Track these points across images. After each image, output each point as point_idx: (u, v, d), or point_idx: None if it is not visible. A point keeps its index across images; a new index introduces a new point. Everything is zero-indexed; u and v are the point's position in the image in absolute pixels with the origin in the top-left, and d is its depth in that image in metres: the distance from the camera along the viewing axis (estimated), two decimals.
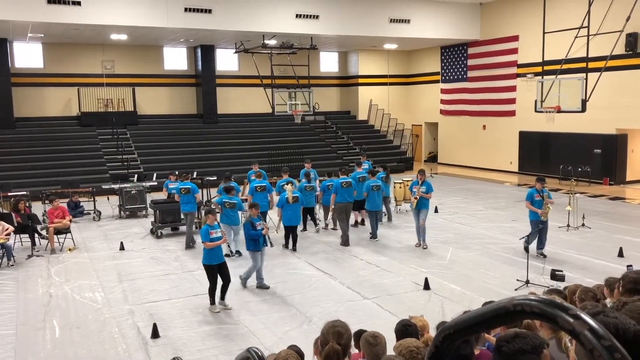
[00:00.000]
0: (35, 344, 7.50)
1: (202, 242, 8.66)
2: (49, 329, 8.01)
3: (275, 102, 20.86)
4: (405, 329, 4.05)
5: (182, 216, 13.21)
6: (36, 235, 12.57)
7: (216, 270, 8.56)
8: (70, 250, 12.37)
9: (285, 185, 12.68)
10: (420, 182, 11.82)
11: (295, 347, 4.21)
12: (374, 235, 13.03)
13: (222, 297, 8.65)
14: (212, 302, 8.57)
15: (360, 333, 4.25)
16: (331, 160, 23.42)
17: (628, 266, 6.02)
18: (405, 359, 3.23)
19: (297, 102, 21.18)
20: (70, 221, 13.05)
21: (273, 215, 13.99)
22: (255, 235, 9.33)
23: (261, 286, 9.53)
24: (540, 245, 11.08)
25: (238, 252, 11.68)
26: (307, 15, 21.12)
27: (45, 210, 14.05)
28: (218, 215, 11.96)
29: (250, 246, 9.47)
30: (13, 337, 7.77)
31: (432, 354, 1.17)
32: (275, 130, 25.96)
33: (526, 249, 10.26)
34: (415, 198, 11.79)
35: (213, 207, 10.90)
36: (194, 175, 16.99)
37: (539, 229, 10.87)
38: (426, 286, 9.39)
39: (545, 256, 10.96)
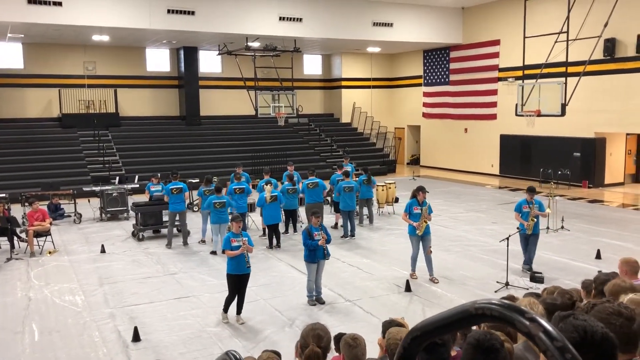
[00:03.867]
0: (14, 348, 7.42)
1: (223, 251, 8.51)
2: (28, 333, 7.93)
3: (258, 104, 20.86)
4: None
5: (168, 217, 13.13)
6: (15, 238, 12.42)
7: (239, 280, 8.17)
8: (50, 253, 12.25)
9: (265, 185, 12.87)
10: (420, 202, 10.01)
11: (274, 351, 4.24)
12: (346, 234, 13.39)
13: (238, 312, 8.26)
14: (226, 309, 8.25)
15: (340, 336, 4.29)
16: (314, 162, 23.43)
17: (599, 271, 6.23)
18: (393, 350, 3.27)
19: (280, 105, 21.21)
20: (51, 224, 12.92)
21: (255, 217, 14.04)
22: (312, 246, 8.76)
23: (318, 300, 8.99)
24: (528, 260, 10.35)
25: (213, 252, 11.96)
26: (290, 18, 21.17)
27: (24, 213, 13.90)
28: (209, 215, 12.13)
29: (306, 256, 8.93)
30: None
31: (400, 354, 1.22)
32: (258, 133, 25.95)
33: (529, 270, 10.13)
34: (425, 222, 9.83)
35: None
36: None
37: (526, 243, 10.27)
38: (407, 288, 9.47)
39: (530, 271, 10.15)
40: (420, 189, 10.06)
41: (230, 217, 9.04)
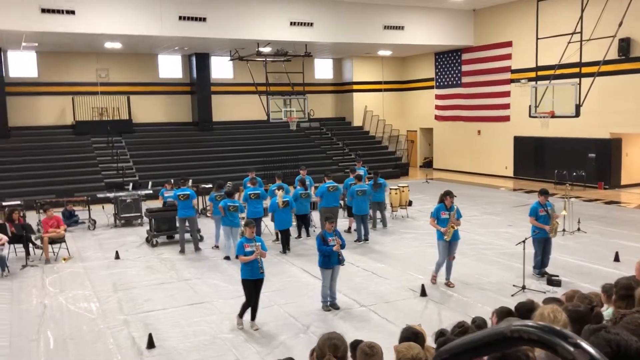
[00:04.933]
0: (29, 356, 7.43)
1: (237, 257, 8.46)
2: (44, 340, 7.94)
3: (270, 109, 20.88)
4: (415, 337, 3.99)
5: (178, 223, 13.14)
6: (30, 245, 12.48)
7: (253, 285, 8.12)
8: (64, 260, 12.30)
9: (277, 191, 12.83)
10: (448, 207, 9.77)
11: (290, 358, 4.18)
12: (359, 238, 13.34)
13: (252, 318, 8.20)
14: (241, 315, 8.18)
15: (356, 344, 4.22)
16: (327, 167, 23.37)
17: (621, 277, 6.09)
18: None
19: (292, 109, 21.23)
20: (65, 230, 12.98)
21: (268, 222, 14.00)
22: (327, 252, 8.67)
23: (333, 305, 8.88)
24: (543, 263, 10.20)
25: (227, 257, 11.92)
26: (301, 23, 21.16)
27: (39, 220, 13.98)
28: (221, 218, 12.12)
29: (321, 262, 8.84)
30: (7, 349, 7.70)
31: None
32: (270, 137, 25.96)
33: (541, 274, 10.03)
34: (453, 227, 9.58)
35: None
36: (190, 183, 16.93)
37: (544, 246, 10.10)
38: (423, 293, 9.37)
39: (547, 274, 10.03)
40: (448, 194, 9.83)
41: (243, 222, 8.95)
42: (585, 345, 0.92)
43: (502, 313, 4.60)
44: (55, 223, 12.65)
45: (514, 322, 1.04)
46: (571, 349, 0.92)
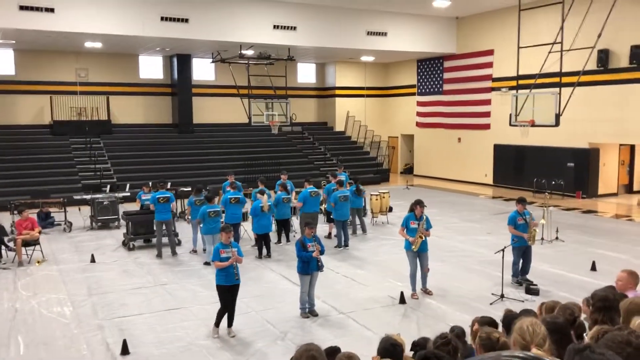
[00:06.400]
0: None
1: (212, 262, 8.29)
2: (14, 345, 7.73)
3: (252, 112, 20.77)
4: (394, 349, 3.93)
5: (156, 226, 12.95)
6: (3, 247, 12.20)
7: (228, 291, 8.00)
8: (38, 262, 12.04)
9: (259, 195, 12.72)
10: (418, 217, 9.67)
11: None
12: (339, 244, 13.30)
13: (229, 325, 8.07)
14: (217, 324, 8.01)
15: (331, 350, 4.14)
16: (308, 171, 23.32)
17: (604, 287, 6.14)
18: None
19: (274, 113, 21.13)
20: (40, 233, 12.71)
21: (247, 226, 13.88)
22: (306, 258, 8.60)
23: (311, 312, 8.79)
24: (525, 271, 10.21)
25: (207, 263, 11.69)
26: (284, 27, 21.11)
27: (13, 221, 13.68)
28: (200, 225, 11.93)
29: (299, 268, 8.75)
30: None
31: None
32: (251, 141, 25.83)
33: (519, 283, 10.06)
34: (421, 237, 9.46)
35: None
36: (168, 186, 16.75)
37: (523, 254, 10.13)
38: (402, 300, 9.33)
39: (528, 282, 10.00)
40: (418, 203, 9.64)
41: (220, 228, 8.81)
42: None
43: (484, 323, 4.59)
44: (29, 225, 12.39)
45: (504, 352, 0.98)
46: None
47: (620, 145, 20.94)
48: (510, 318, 4.39)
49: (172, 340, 7.84)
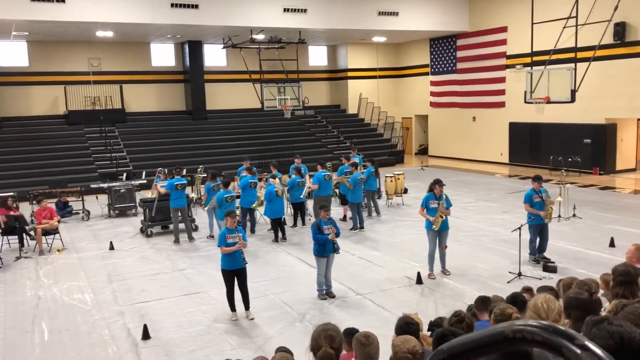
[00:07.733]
0: (23, 348, 7.39)
1: (219, 246, 8.38)
2: (38, 332, 7.89)
3: (264, 97, 20.71)
4: (408, 327, 3.96)
5: (172, 213, 13.03)
6: (24, 236, 12.40)
7: (233, 276, 8.10)
8: (59, 251, 12.22)
9: (272, 180, 12.78)
10: (437, 196, 9.65)
11: (286, 350, 4.14)
12: (355, 226, 13.26)
13: (246, 307, 8.18)
14: (232, 308, 8.13)
15: (350, 331, 4.17)
16: (322, 155, 23.28)
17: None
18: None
19: (286, 97, 21.05)
20: (59, 221, 12.88)
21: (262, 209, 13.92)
22: (322, 240, 8.64)
23: (328, 294, 8.86)
24: (542, 249, 10.20)
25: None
26: (295, 9, 20.96)
27: (32, 211, 13.88)
28: (217, 210, 12.02)
29: (316, 251, 8.81)
30: (1, 341, 7.65)
31: None
32: (265, 126, 25.83)
33: (536, 260, 10.02)
34: (441, 217, 9.45)
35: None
36: (184, 173, 16.86)
37: (540, 232, 10.10)
38: (418, 280, 9.34)
39: (546, 259, 9.99)
40: (437, 182, 9.60)
41: (225, 213, 8.79)
42: (592, 346, 0.86)
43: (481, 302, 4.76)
44: (48, 214, 12.56)
45: (517, 321, 0.97)
46: (578, 351, 0.86)
47: (638, 120, 20.60)
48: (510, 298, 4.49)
49: (192, 324, 7.94)
